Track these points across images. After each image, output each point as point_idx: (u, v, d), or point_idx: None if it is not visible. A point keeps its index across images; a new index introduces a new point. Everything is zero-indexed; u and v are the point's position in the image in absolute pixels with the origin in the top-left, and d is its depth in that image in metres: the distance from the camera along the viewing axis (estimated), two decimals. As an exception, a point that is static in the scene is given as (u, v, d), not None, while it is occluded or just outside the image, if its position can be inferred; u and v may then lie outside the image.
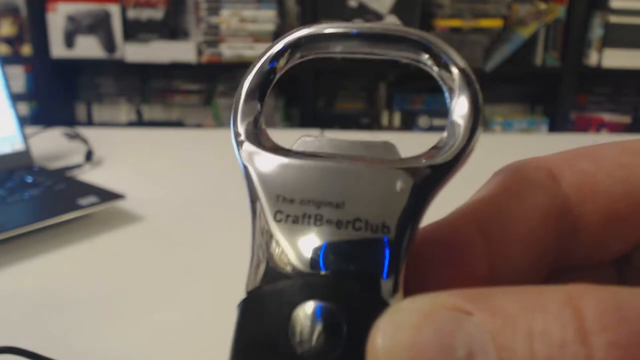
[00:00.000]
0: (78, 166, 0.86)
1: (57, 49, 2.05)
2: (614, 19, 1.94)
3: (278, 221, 0.13)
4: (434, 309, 0.10)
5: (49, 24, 2.03)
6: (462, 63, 0.14)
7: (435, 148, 0.14)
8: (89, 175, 0.83)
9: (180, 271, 0.60)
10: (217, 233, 0.68)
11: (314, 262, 0.13)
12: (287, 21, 2.10)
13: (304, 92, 2.08)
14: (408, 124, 2.17)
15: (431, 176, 0.13)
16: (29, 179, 0.76)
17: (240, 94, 0.16)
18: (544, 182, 0.14)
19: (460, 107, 0.14)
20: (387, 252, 0.12)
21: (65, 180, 0.78)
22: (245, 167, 0.15)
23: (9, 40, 2.07)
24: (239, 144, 0.15)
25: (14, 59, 2.07)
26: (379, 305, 0.12)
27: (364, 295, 0.12)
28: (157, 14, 2.02)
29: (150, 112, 2.26)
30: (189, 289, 0.57)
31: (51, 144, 0.96)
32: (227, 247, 0.65)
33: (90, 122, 2.26)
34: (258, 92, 0.15)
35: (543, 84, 2.19)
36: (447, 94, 0.14)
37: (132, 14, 2.02)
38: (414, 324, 0.10)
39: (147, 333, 0.49)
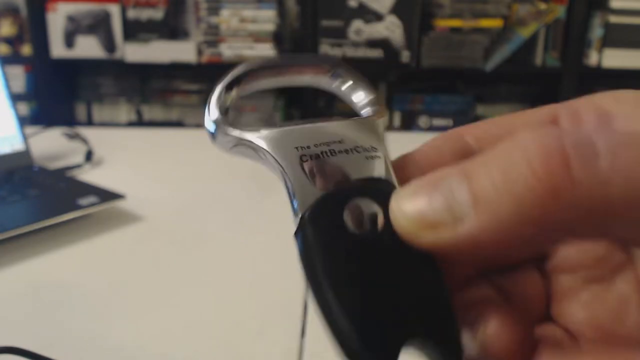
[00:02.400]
0: (78, 166, 0.86)
1: (57, 49, 2.05)
2: (614, 19, 1.94)
3: (305, 161, 0.18)
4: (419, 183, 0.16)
5: (49, 24, 2.03)
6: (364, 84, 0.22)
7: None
8: (89, 175, 0.83)
9: (180, 271, 0.60)
10: (217, 233, 0.68)
11: (343, 177, 0.18)
12: (287, 21, 2.10)
13: (304, 92, 2.08)
14: (408, 124, 2.17)
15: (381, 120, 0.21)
16: (29, 179, 0.76)
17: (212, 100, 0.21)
18: (454, 136, 0.20)
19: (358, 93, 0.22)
20: (382, 162, 0.19)
21: (65, 180, 0.78)
22: (260, 144, 0.19)
23: (9, 40, 2.07)
24: (244, 131, 0.20)
25: (14, 59, 2.07)
26: (392, 188, 0.18)
27: (381, 189, 0.18)
28: (157, 14, 2.02)
29: (150, 112, 2.25)
30: (189, 289, 0.57)
31: (51, 144, 0.96)
32: (227, 247, 0.65)
33: (90, 122, 2.25)
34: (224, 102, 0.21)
35: (543, 84, 2.19)
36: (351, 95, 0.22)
37: (132, 14, 2.02)
38: (410, 192, 0.16)
39: (147, 333, 0.49)
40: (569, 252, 0.18)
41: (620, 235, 0.15)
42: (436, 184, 0.15)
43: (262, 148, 0.19)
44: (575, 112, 0.18)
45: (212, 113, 0.20)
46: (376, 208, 0.17)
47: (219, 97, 0.20)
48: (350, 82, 0.22)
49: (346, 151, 0.18)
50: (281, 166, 0.18)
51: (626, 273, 0.17)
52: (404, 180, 0.18)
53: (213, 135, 0.20)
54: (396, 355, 0.15)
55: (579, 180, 0.13)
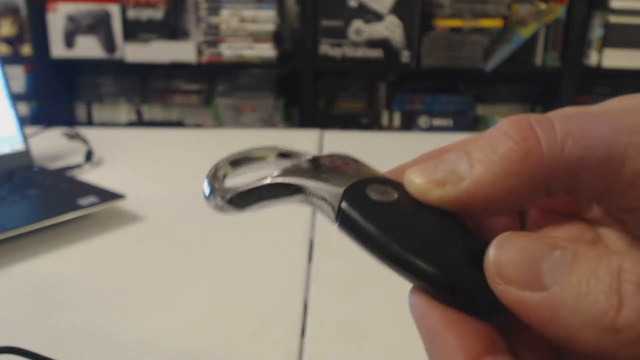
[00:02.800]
0: (78, 166, 0.86)
1: (57, 49, 2.05)
2: (614, 19, 1.94)
3: (316, 177, 0.22)
4: None
5: (49, 24, 2.03)
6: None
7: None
8: (89, 175, 0.83)
9: (180, 271, 0.60)
10: (217, 233, 0.68)
11: (353, 174, 0.21)
12: (287, 21, 2.10)
13: (304, 92, 2.08)
14: (408, 124, 2.17)
15: None
16: (29, 179, 0.76)
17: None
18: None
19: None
20: (370, 168, 0.22)
21: (65, 180, 0.78)
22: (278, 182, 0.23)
23: (9, 40, 2.07)
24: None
25: (14, 59, 2.07)
26: (394, 180, 0.21)
27: (384, 177, 0.22)
28: (157, 14, 2.02)
29: (150, 112, 2.26)
30: (189, 289, 0.57)
31: (51, 144, 0.96)
32: (227, 247, 0.65)
33: (90, 122, 2.26)
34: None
35: (543, 84, 2.19)
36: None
37: (132, 14, 2.02)
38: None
39: (147, 333, 0.49)
40: (548, 233, 0.21)
41: (583, 193, 0.19)
42: (441, 158, 0.20)
43: (279, 184, 0.22)
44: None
45: (217, 195, 0.25)
46: (388, 188, 0.21)
47: (216, 178, 0.26)
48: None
49: (340, 165, 0.22)
50: (304, 187, 0.21)
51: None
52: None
53: (223, 202, 0.25)
54: (465, 268, 0.18)
55: (544, 140, 0.18)
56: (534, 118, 0.18)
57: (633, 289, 0.15)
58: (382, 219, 0.19)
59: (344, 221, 0.20)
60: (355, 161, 0.23)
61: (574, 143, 0.18)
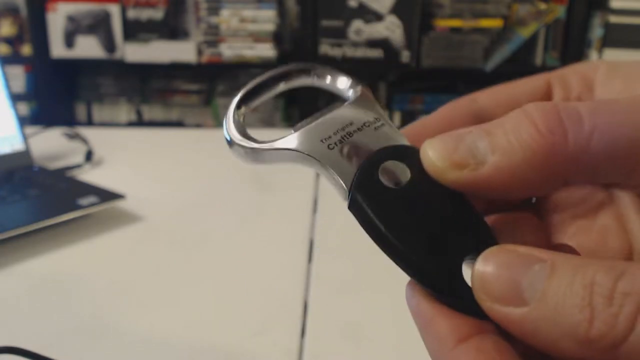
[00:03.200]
0: (78, 166, 0.86)
1: (57, 49, 2.05)
2: (614, 19, 1.94)
3: (332, 149, 0.21)
4: None
5: (49, 24, 2.03)
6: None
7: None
8: (89, 175, 0.83)
9: (180, 271, 0.60)
10: (217, 233, 0.68)
11: (366, 150, 0.21)
12: (287, 21, 2.10)
13: (304, 92, 2.08)
14: (408, 124, 2.17)
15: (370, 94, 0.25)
16: (29, 179, 0.76)
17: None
18: (464, 101, 0.24)
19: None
20: (388, 128, 0.23)
21: (65, 180, 0.78)
22: (294, 149, 0.22)
23: (9, 40, 2.07)
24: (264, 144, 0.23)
25: (14, 59, 2.07)
26: (411, 149, 0.21)
27: (398, 149, 0.21)
28: (157, 14, 2.02)
29: (150, 112, 2.25)
30: (189, 289, 0.57)
31: (51, 144, 0.96)
32: (227, 247, 0.65)
33: (90, 122, 2.25)
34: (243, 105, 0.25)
35: (543, 84, 2.19)
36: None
37: (132, 14, 2.02)
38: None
39: (147, 333, 0.49)
40: (559, 195, 0.22)
41: (604, 182, 0.19)
42: (462, 136, 0.19)
43: (297, 151, 0.22)
44: (565, 80, 0.23)
45: (235, 136, 0.24)
46: (402, 165, 0.20)
47: (235, 119, 0.25)
48: (329, 76, 0.26)
49: (358, 129, 0.22)
50: (318, 160, 0.21)
51: (607, 209, 0.21)
52: (420, 140, 0.21)
53: (247, 153, 0.23)
54: (458, 273, 0.19)
55: (571, 135, 0.18)
56: (563, 108, 0.18)
57: (604, 302, 0.15)
58: (389, 211, 0.19)
59: (353, 206, 0.20)
60: (376, 119, 0.23)
61: (600, 137, 0.17)
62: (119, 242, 0.65)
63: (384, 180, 0.20)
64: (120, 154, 0.95)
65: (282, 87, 0.25)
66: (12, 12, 2.09)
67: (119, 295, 0.55)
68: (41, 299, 0.54)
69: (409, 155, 0.21)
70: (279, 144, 0.22)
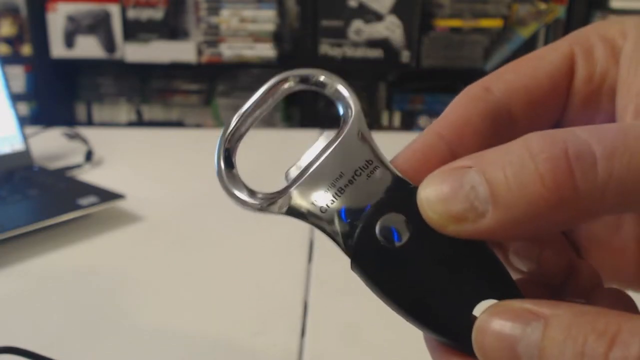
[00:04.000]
0: (78, 166, 0.86)
1: (57, 49, 2.05)
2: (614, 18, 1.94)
3: (325, 212, 0.21)
4: None
5: (49, 24, 2.03)
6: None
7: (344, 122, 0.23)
8: (89, 175, 0.83)
9: (180, 271, 0.60)
10: (216, 233, 0.68)
11: (362, 206, 0.20)
12: (287, 21, 2.10)
13: (304, 92, 2.08)
14: (408, 124, 2.17)
15: (359, 129, 0.22)
16: (29, 179, 0.76)
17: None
18: (479, 94, 0.21)
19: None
20: (382, 171, 0.21)
21: (65, 180, 0.78)
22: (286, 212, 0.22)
23: (9, 40, 2.07)
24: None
25: (14, 59, 2.07)
26: (407, 191, 0.20)
27: (397, 196, 0.20)
28: (157, 14, 2.02)
29: (150, 112, 2.25)
30: (189, 289, 0.57)
31: (51, 144, 0.96)
32: (227, 247, 0.65)
33: (90, 122, 2.25)
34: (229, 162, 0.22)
35: (543, 84, 2.19)
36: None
37: (132, 14, 2.02)
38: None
39: (147, 333, 0.49)
40: None
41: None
42: (459, 179, 0.18)
43: (292, 216, 0.21)
44: (589, 51, 0.21)
45: (229, 191, 0.22)
46: (401, 218, 0.20)
47: (226, 171, 0.22)
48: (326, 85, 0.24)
49: (350, 182, 0.21)
50: (315, 225, 0.21)
51: (627, 227, 0.21)
52: (422, 168, 0.20)
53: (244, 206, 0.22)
54: (471, 320, 0.18)
55: (581, 187, 0.16)
56: (573, 151, 0.16)
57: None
58: (391, 275, 0.19)
59: (356, 270, 0.20)
60: (367, 163, 0.21)
61: (617, 187, 0.16)
62: (119, 242, 0.65)
63: (383, 240, 0.20)
64: (120, 154, 0.95)
65: (271, 103, 0.23)
66: (12, 12, 2.09)
67: (119, 295, 0.55)
68: (41, 299, 0.54)
69: (407, 201, 0.20)
70: (276, 207, 0.22)
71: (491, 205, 0.17)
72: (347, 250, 0.20)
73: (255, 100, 0.22)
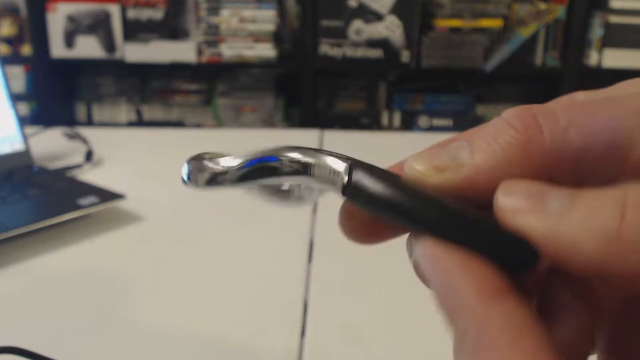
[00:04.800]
0: (78, 166, 0.86)
1: (57, 49, 2.05)
2: (614, 19, 1.94)
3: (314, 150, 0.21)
4: None
5: (49, 24, 2.03)
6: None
7: None
8: (89, 175, 0.83)
9: (180, 271, 0.60)
10: (217, 233, 0.68)
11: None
12: (287, 21, 2.10)
13: (304, 92, 2.08)
14: (408, 124, 2.17)
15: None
16: (29, 179, 0.76)
17: None
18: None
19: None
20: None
21: (65, 180, 0.78)
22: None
23: (9, 40, 2.07)
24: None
25: (14, 59, 2.07)
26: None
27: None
28: (157, 14, 2.02)
29: (150, 112, 2.25)
30: (189, 289, 0.57)
31: (51, 144, 0.96)
32: (227, 247, 0.65)
33: (90, 122, 2.25)
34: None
35: (543, 84, 2.19)
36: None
37: (132, 14, 2.02)
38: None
39: (147, 333, 0.49)
40: None
41: (590, 182, 0.18)
42: (443, 145, 0.20)
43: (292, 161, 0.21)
44: None
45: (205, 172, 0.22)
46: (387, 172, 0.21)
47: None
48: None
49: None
50: (311, 163, 0.20)
51: None
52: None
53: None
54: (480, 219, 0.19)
55: (547, 129, 0.18)
56: (537, 108, 0.19)
57: (635, 200, 0.16)
58: (393, 177, 0.20)
59: (353, 185, 0.20)
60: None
61: (577, 131, 0.18)
62: (119, 242, 0.65)
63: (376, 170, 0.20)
64: (120, 154, 0.95)
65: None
66: (12, 12, 2.09)
67: (119, 295, 0.55)
68: (41, 299, 0.54)
69: (390, 172, 0.21)
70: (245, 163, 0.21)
71: (471, 155, 0.19)
72: (344, 166, 0.20)
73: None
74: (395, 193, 0.19)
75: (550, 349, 0.16)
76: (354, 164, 0.20)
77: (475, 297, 0.17)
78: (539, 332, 0.16)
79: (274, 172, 0.21)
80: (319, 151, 0.21)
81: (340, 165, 0.20)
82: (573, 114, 0.18)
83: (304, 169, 0.20)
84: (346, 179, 0.20)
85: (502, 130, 0.18)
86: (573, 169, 0.18)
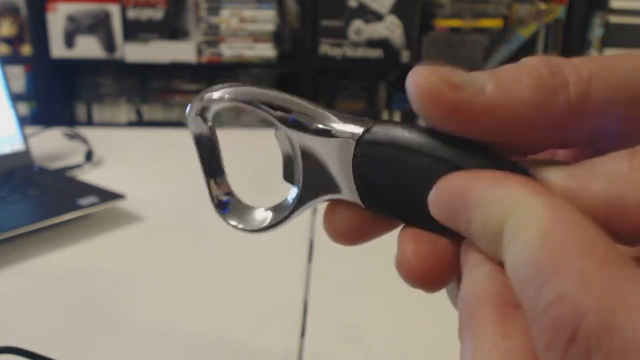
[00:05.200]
0: (78, 166, 0.86)
1: (57, 49, 2.05)
2: (614, 19, 1.94)
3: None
4: None
5: (49, 24, 2.03)
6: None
7: None
8: (89, 175, 0.83)
9: (180, 271, 0.60)
10: (217, 233, 0.68)
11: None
12: (287, 21, 2.10)
13: (304, 92, 2.08)
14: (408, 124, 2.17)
15: None
16: (29, 179, 0.76)
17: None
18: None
19: None
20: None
21: (65, 180, 0.78)
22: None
23: (9, 40, 2.07)
24: None
25: (14, 59, 2.07)
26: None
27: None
28: (157, 14, 2.02)
29: (150, 112, 2.25)
30: (189, 289, 0.57)
31: (51, 144, 0.96)
32: (227, 247, 0.65)
33: (90, 122, 2.25)
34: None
35: (543, 84, 2.19)
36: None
37: (132, 14, 2.02)
38: None
39: (147, 333, 0.49)
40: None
41: (605, 142, 0.18)
42: (462, 71, 0.18)
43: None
44: None
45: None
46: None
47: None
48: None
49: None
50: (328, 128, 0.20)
51: None
52: None
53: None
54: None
55: (571, 79, 0.17)
56: (560, 61, 0.18)
57: None
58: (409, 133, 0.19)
59: (368, 144, 0.19)
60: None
61: (599, 83, 0.17)
62: (119, 242, 0.65)
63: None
64: (120, 154, 0.95)
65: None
66: (12, 12, 2.09)
67: (119, 295, 0.55)
68: (41, 299, 0.54)
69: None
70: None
71: (491, 82, 0.17)
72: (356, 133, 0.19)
73: None
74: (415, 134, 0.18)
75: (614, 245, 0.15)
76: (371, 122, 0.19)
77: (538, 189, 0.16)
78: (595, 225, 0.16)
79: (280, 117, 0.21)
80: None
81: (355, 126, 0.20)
82: (593, 66, 0.17)
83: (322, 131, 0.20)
84: (362, 130, 0.19)
85: (528, 71, 0.17)
86: (592, 126, 0.18)
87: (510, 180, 0.16)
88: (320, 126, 0.20)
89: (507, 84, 0.17)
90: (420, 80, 0.17)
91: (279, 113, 0.21)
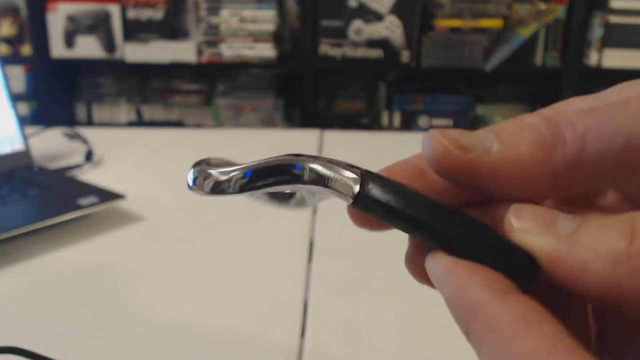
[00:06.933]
0: (78, 166, 0.86)
1: (57, 49, 2.05)
2: (614, 19, 1.94)
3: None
4: None
5: (49, 24, 2.03)
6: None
7: None
8: (89, 175, 0.83)
9: (180, 271, 0.60)
10: (216, 232, 0.68)
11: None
12: (287, 21, 2.10)
13: (304, 92, 2.08)
14: (408, 124, 2.17)
15: None
16: (29, 179, 0.76)
17: None
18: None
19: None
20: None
21: (65, 180, 0.78)
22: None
23: (9, 40, 2.07)
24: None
25: (14, 59, 2.07)
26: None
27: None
28: (157, 14, 2.02)
29: (150, 112, 2.26)
30: (189, 289, 0.57)
31: (51, 144, 0.96)
32: (227, 247, 0.65)
33: (90, 122, 2.25)
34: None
35: (543, 84, 2.19)
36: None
37: (132, 14, 2.02)
38: None
39: (147, 333, 0.49)
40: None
41: (606, 185, 0.20)
42: (470, 133, 0.20)
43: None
44: None
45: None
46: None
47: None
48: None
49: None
50: (323, 175, 0.20)
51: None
52: None
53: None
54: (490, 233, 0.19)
55: (568, 137, 0.18)
56: (556, 117, 0.19)
57: None
58: (405, 188, 0.20)
59: (366, 194, 0.20)
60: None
61: (593, 138, 0.18)
62: (119, 242, 0.65)
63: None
64: (120, 154, 0.95)
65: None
66: (12, 12, 2.09)
67: (119, 295, 0.55)
68: (41, 299, 0.54)
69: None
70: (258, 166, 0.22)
71: (497, 143, 0.19)
72: (356, 177, 0.20)
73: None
74: (407, 206, 0.19)
75: (568, 333, 0.16)
76: (365, 175, 0.20)
77: (490, 295, 0.17)
78: (554, 320, 0.17)
79: (281, 180, 0.21)
80: (317, 159, 0.21)
81: (352, 177, 0.20)
82: (587, 121, 0.19)
83: (319, 179, 0.20)
84: (357, 188, 0.20)
85: (529, 131, 0.19)
86: (591, 175, 0.19)
87: (475, 286, 0.18)
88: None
89: (510, 144, 0.19)
90: (433, 143, 0.19)
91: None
